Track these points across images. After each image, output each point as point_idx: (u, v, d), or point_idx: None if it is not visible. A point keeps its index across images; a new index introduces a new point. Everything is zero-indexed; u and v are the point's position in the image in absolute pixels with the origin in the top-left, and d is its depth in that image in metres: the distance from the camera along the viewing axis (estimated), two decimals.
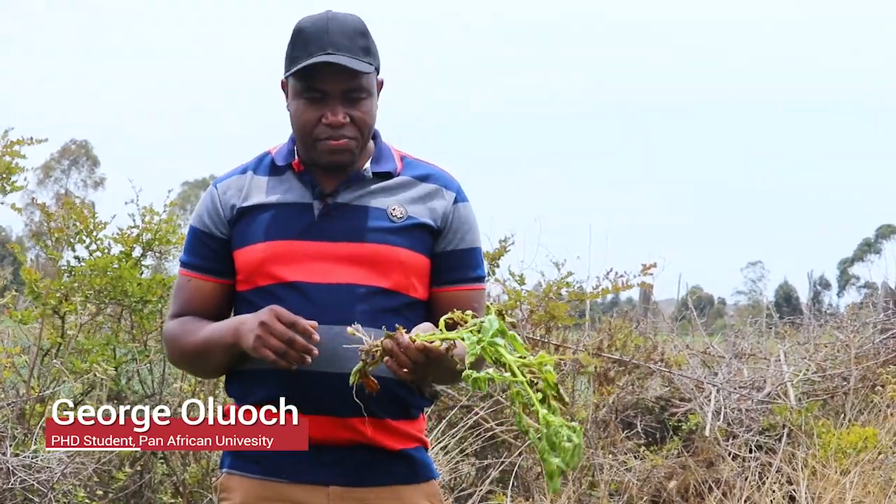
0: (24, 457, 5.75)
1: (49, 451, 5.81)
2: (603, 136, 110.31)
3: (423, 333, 2.87)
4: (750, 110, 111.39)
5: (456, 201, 3.21)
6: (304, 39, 3.07)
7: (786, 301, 37.89)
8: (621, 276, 8.29)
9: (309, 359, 2.89)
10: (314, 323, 2.91)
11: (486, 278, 3.41)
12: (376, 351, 2.85)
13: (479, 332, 2.81)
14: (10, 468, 5.67)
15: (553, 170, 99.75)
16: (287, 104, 3.16)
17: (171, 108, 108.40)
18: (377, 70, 3.13)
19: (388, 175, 3.18)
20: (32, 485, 5.68)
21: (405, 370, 2.85)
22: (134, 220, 6.72)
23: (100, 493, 6.30)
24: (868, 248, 67.85)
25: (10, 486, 5.64)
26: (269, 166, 3.20)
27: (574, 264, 8.58)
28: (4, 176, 6.53)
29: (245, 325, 2.97)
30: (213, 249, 3.17)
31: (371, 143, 3.21)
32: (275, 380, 3.03)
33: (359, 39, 3.08)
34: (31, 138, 6.65)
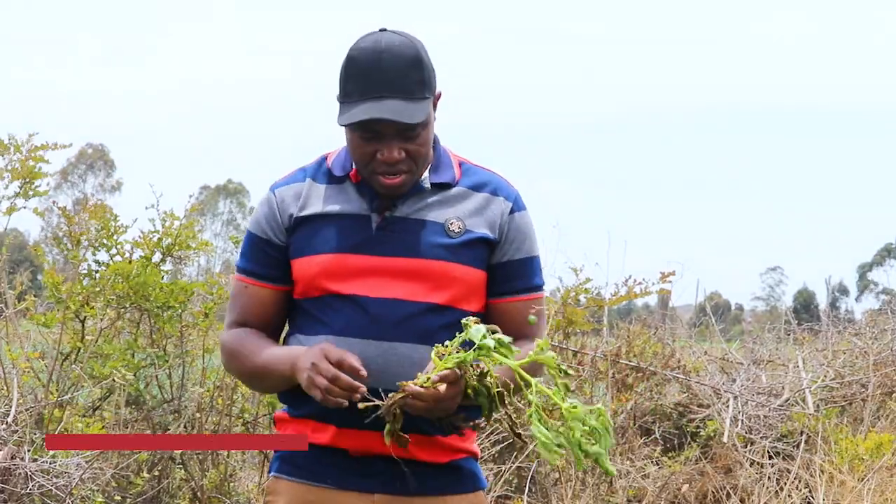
0: (43, 462, 5.74)
1: (67, 457, 5.83)
2: (616, 141, 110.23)
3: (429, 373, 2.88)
4: (765, 115, 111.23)
5: (512, 211, 3.17)
6: (356, 74, 3.01)
7: (805, 308, 37.67)
8: (640, 283, 8.28)
9: (358, 395, 2.89)
10: (359, 369, 2.91)
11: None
12: (394, 409, 2.87)
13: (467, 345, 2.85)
14: (29, 473, 5.67)
15: (563, 172, 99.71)
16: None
17: (188, 112, 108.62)
18: (432, 95, 3.08)
19: (446, 185, 3.15)
20: (50, 490, 5.68)
21: (433, 411, 2.89)
22: (154, 225, 6.73)
23: (118, 498, 6.30)
24: (888, 253, 67.61)
25: (28, 491, 5.64)
26: (328, 174, 3.17)
27: (592, 270, 8.57)
28: (27, 181, 6.55)
29: (300, 360, 2.98)
30: (270, 256, 3.16)
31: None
32: None
33: (413, 73, 3.01)
34: (56, 143, 6.66)
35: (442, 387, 2.85)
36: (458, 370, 2.85)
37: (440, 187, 3.14)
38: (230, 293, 3.29)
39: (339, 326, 3.04)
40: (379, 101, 2.97)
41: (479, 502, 3.21)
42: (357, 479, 3.08)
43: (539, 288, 3.22)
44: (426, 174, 3.13)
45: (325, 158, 3.21)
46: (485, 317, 3.10)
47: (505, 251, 3.15)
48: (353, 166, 3.12)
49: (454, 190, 3.15)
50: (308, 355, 2.95)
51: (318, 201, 3.13)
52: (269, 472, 3.28)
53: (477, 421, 3.03)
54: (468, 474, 3.18)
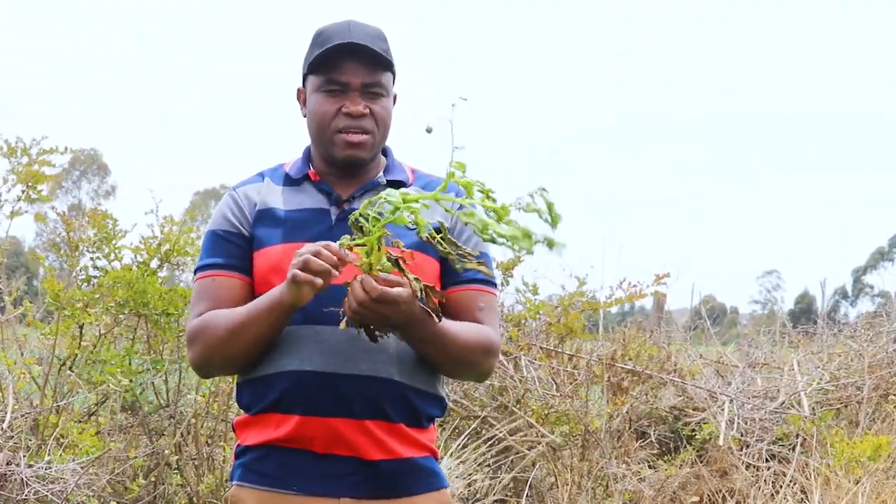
0: (38, 468, 5.73)
1: (63, 462, 5.82)
2: (614, 143, 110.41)
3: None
4: (762, 119, 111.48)
5: (461, 207, 3.21)
6: (325, 38, 3.15)
7: (805, 313, 37.53)
8: (634, 285, 8.29)
9: (336, 272, 2.83)
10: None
11: (499, 287, 3.35)
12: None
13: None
14: (24, 479, 5.66)
15: (564, 175, 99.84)
16: (303, 111, 3.24)
17: (180, 118, 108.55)
18: (394, 77, 3.21)
19: (400, 184, 3.23)
20: (46, 496, 5.67)
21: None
22: (153, 231, 6.72)
23: (114, 503, 6.30)
24: (881, 256, 67.74)
25: (23, 496, 5.63)
26: (284, 177, 3.25)
27: (588, 274, 8.58)
28: (31, 185, 6.55)
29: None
30: (238, 247, 3.16)
31: (383, 157, 3.28)
32: (287, 382, 3.04)
33: (380, 42, 3.16)
34: (66, 148, 6.67)
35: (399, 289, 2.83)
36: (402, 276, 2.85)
37: (395, 185, 3.21)
38: (192, 294, 3.21)
39: (304, 314, 3.01)
40: (350, 43, 3.11)
41: (446, 501, 3.21)
42: (323, 484, 3.06)
43: (488, 283, 3.22)
44: (381, 174, 3.24)
45: (281, 165, 3.30)
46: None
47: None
48: (311, 167, 3.22)
49: (408, 189, 3.19)
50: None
51: (278, 198, 3.20)
52: (229, 480, 3.24)
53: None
54: (431, 472, 3.18)
